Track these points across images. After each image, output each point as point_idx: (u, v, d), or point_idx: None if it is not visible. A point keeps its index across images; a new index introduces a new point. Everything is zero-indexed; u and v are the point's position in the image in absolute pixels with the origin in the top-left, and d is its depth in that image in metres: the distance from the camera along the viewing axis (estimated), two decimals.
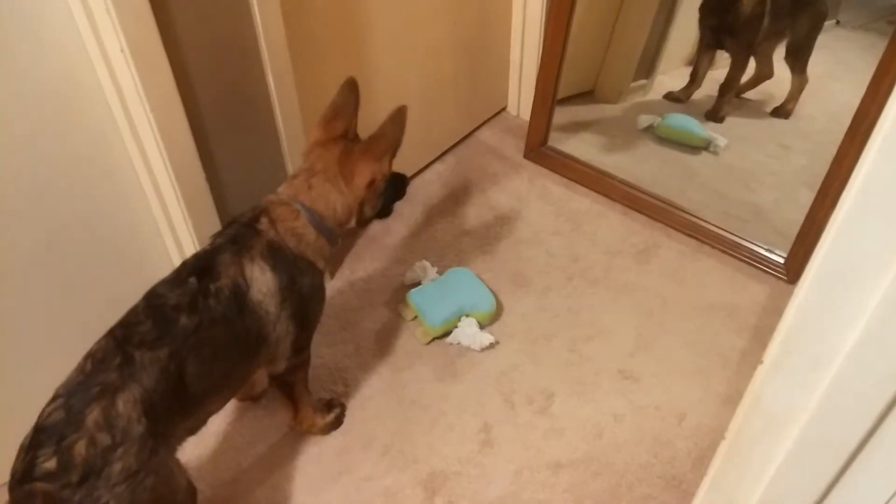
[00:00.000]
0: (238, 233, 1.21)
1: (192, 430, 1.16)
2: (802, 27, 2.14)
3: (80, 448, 0.94)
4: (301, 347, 1.32)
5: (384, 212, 1.42)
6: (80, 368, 1.03)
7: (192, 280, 1.13)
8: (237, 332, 1.16)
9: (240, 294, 1.16)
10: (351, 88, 1.32)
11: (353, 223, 1.34)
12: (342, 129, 1.31)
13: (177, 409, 1.07)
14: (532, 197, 2.07)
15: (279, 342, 1.24)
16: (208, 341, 1.11)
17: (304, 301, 1.26)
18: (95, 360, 1.03)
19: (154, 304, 1.11)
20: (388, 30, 1.77)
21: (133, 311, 1.11)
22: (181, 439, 1.13)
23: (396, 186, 1.41)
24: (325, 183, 1.27)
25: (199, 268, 1.16)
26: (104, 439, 0.96)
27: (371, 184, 1.31)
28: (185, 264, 1.19)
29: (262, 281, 1.18)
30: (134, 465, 0.97)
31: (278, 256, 1.21)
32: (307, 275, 1.26)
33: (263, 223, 1.22)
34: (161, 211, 1.39)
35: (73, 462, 0.93)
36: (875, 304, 0.64)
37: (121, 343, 1.04)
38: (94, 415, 0.96)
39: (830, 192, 1.64)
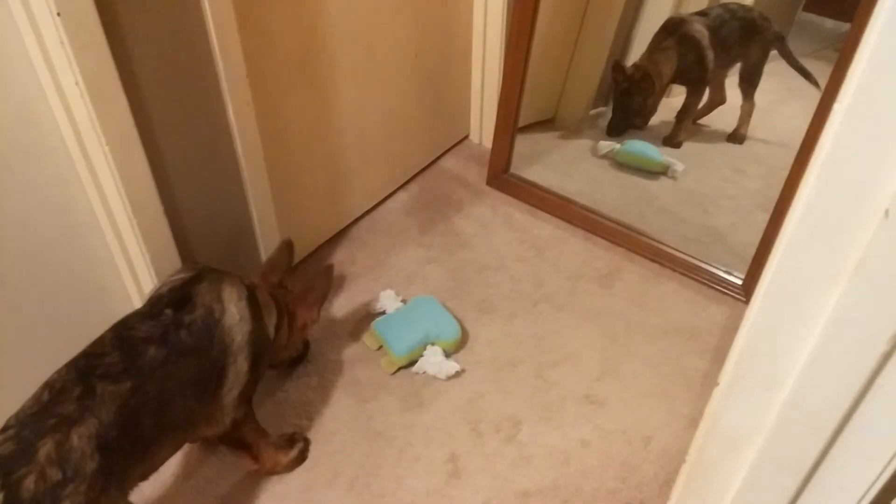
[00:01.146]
0: (220, 270, 1.28)
1: (145, 475, 1.14)
2: (754, 55, 2.21)
3: (29, 483, 0.91)
4: (247, 398, 1.31)
5: (291, 362, 1.62)
6: (37, 398, 1.01)
7: (168, 312, 1.15)
8: (203, 364, 1.16)
9: (212, 321, 1.18)
10: (286, 248, 1.52)
11: (275, 357, 1.48)
12: (277, 281, 1.47)
13: (132, 449, 1.05)
14: (495, 224, 2.09)
15: (237, 380, 1.23)
16: (174, 375, 1.11)
17: (261, 344, 1.28)
18: (54, 391, 1.01)
19: (123, 336, 1.10)
20: (350, 61, 1.78)
21: (99, 343, 1.10)
22: (134, 483, 1.10)
23: (304, 346, 1.62)
24: (282, 311, 1.41)
25: (176, 299, 1.17)
26: (55, 474, 0.93)
27: (303, 327, 1.48)
28: (159, 297, 1.20)
29: (238, 307, 1.22)
30: (82, 503, 0.95)
31: (253, 295, 1.27)
32: (265, 330, 1.32)
33: (246, 279, 1.31)
34: (118, 245, 1.37)
35: (20, 497, 0.91)
36: (822, 324, 0.66)
37: (83, 374, 1.03)
38: (46, 448, 0.94)
39: (783, 216, 1.67)
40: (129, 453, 1.05)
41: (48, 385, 1.02)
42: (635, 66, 2.23)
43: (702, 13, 2.21)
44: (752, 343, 0.73)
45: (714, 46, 2.17)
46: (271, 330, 1.35)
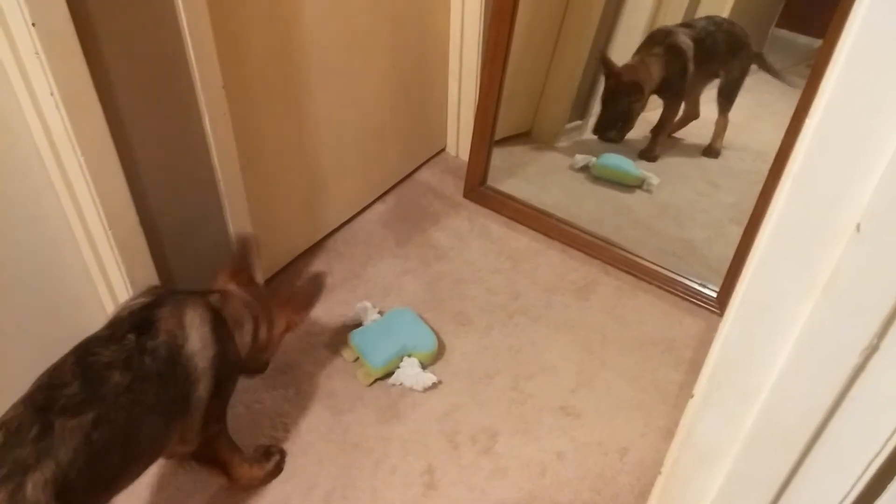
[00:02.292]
0: (183, 292, 1.25)
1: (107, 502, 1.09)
2: (734, 71, 2.24)
3: None
4: (215, 418, 1.28)
5: (260, 368, 1.52)
6: None
7: (131, 336, 1.11)
8: (167, 389, 1.12)
9: (174, 347, 1.14)
10: (245, 245, 1.46)
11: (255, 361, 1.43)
12: (247, 278, 1.41)
13: (95, 484, 1.01)
14: (472, 236, 2.09)
15: (198, 406, 1.20)
16: (140, 401, 1.07)
17: (227, 367, 1.26)
18: (10, 432, 0.95)
19: (85, 361, 1.05)
20: (327, 73, 1.78)
21: (58, 370, 1.04)
22: None
23: None
24: (259, 315, 1.37)
25: (138, 324, 1.14)
26: None
27: (285, 330, 1.44)
28: (120, 321, 1.16)
29: (200, 332, 1.18)
30: None
31: (217, 319, 1.24)
32: (232, 349, 1.29)
33: (214, 296, 1.28)
34: (93, 256, 1.36)
35: None
36: (795, 337, 0.67)
37: (40, 409, 0.97)
38: None
39: (757, 229, 1.69)
40: (91, 490, 1.00)
41: (3, 425, 0.97)
42: (627, 66, 2.23)
43: (687, 24, 2.23)
44: (726, 356, 0.74)
45: (697, 59, 2.19)
46: (247, 339, 1.32)
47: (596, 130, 2.33)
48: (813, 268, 0.64)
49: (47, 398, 1.00)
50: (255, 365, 1.46)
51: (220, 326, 1.25)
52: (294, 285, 1.47)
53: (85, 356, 1.07)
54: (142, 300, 1.20)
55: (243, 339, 1.33)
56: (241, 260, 1.44)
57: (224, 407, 1.31)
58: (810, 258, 0.64)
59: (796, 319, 0.66)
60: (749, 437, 0.75)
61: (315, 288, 1.48)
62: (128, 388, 1.05)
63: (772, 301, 0.67)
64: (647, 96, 2.25)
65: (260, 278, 1.49)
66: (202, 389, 1.19)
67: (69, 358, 1.07)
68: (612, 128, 2.31)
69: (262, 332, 1.38)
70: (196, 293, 1.26)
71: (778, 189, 0.63)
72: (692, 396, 0.81)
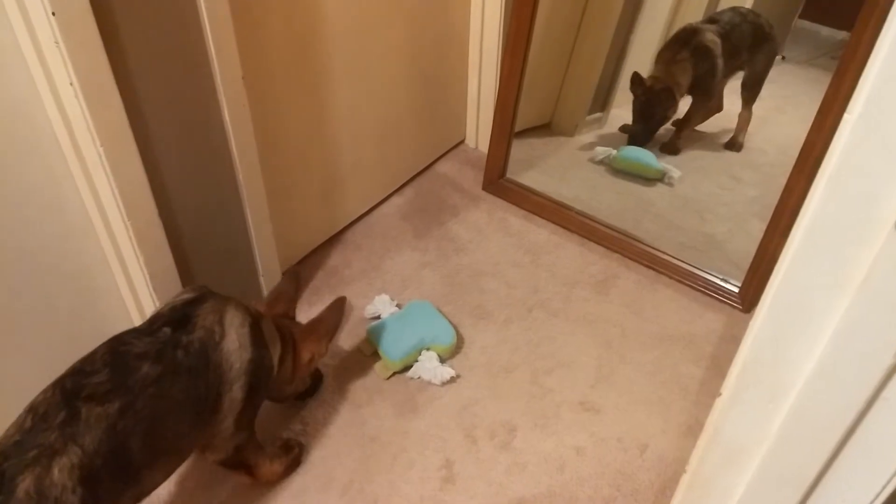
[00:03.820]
0: (226, 295, 1.25)
1: (136, 500, 1.09)
2: (758, 63, 2.21)
3: None
4: (244, 426, 1.27)
5: (301, 395, 1.55)
6: (20, 424, 0.97)
7: (166, 330, 1.12)
8: (198, 387, 1.13)
9: (211, 344, 1.15)
10: (293, 279, 1.53)
11: (280, 392, 1.44)
12: (283, 311, 1.45)
13: (120, 475, 1.01)
14: (491, 229, 2.08)
15: (231, 409, 1.20)
16: (167, 394, 1.07)
17: (261, 373, 1.25)
18: (37, 416, 0.97)
19: (117, 351, 1.07)
20: (346, 65, 1.77)
21: (90, 359, 1.06)
22: None
23: (315, 379, 1.57)
24: (287, 344, 1.37)
25: (176, 319, 1.15)
26: None
27: (310, 361, 1.43)
28: (159, 315, 1.17)
29: (239, 333, 1.19)
30: None
31: (255, 325, 1.24)
32: (268, 357, 1.28)
33: (252, 307, 1.28)
34: (112, 247, 1.36)
35: None
36: (828, 336, 0.65)
37: (68, 396, 0.99)
38: (25, 483, 0.90)
39: (780, 224, 1.68)
40: (117, 480, 1.01)
41: (32, 409, 0.98)
42: (654, 78, 2.22)
43: (712, 20, 2.20)
44: (756, 354, 0.73)
45: (724, 55, 2.16)
46: (275, 361, 1.31)
47: (630, 142, 2.32)
48: (848, 266, 0.62)
49: (76, 384, 1.01)
50: (279, 395, 1.46)
51: (258, 333, 1.24)
52: (319, 313, 1.47)
53: (118, 346, 1.08)
54: (186, 296, 1.21)
55: (283, 374, 1.33)
56: (282, 291, 1.48)
57: (253, 416, 1.30)
58: (845, 256, 0.62)
59: (829, 318, 0.64)
60: (778, 436, 0.73)
61: (338, 316, 1.47)
62: (156, 380, 1.06)
63: (805, 299, 0.65)
64: (678, 103, 2.23)
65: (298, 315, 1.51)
66: (237, 390, 1.19)
67: (102, 347, 1.08)
68: (649, 138, 2.30)
69: (288, 363, 1.37)
70: (238, 299, 1.26)
71: (813, 185, 0.62)
72: (720, 394, 0.79)
